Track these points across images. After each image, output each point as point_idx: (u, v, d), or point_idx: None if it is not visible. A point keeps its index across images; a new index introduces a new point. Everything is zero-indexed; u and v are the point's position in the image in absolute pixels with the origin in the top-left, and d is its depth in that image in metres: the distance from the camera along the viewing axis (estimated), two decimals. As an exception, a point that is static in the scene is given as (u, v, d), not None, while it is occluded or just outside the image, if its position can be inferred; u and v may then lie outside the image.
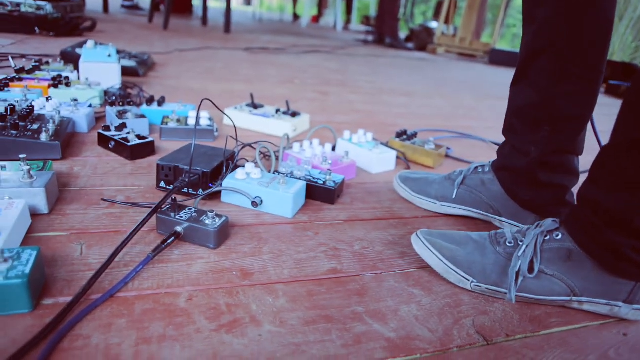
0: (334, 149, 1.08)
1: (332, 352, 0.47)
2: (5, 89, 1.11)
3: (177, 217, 0.63)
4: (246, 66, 2.33)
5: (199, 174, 0.76)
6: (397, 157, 1.08)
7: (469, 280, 0.60)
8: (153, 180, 0.82)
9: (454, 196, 0.82)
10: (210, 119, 1.10)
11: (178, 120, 1.06)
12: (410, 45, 4.70)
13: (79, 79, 1.34)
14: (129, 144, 0.89)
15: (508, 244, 0.60)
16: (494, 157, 0.82)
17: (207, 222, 0.62)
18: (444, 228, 0.79)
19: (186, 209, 0.65)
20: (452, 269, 0.61)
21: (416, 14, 6.28)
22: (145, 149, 0.92)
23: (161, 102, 1.17)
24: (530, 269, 0.57)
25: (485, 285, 0.59)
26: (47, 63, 1.45)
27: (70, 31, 2.53)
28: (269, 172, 0.86)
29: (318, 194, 0.82)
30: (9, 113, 0.87)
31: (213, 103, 0.79)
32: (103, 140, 0.94)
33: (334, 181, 0.82)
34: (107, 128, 0.94)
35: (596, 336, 0.55)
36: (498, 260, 0.60)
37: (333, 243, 0.69)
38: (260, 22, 6.33)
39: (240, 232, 0.69)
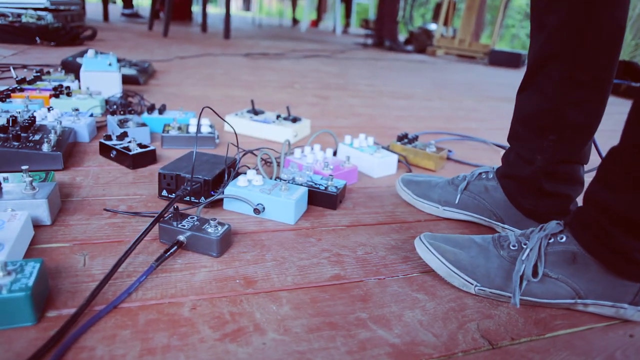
0: (335, 154, 1.08)
1: (337, 359, 0.47)
2: (7, 100, 1.11)
3: (179, 226, 0.63)
4: (246, 72, 2.33)
5: (200, 182, 0.76)
6: (399, 161, 1.08)
7: (472, 284, 0.59)
8: (155, 189, 0.82)
9: (456, 201, 0.82)
10: (211, 126, 1.10)
11: (179, 128, 1.06)
12: (409, 47, 4.71)
13: (80, 88, 1.35)
14: (130, 153, 0.89)
15: (512, 248, 0.60)
16: (496, 159, 0.82)
17: (209, 230, 0.62)
18: (447, 232, 0.79)
19: (188, 218, 0.65)
20: (455, 273, 0.61)
21: (415, 16, 6.29)
22: (146, 158, 0.92)
23: (162, 110, 1.17)
24: (535, 273, 0.57)
25: (490, 289, 0.59)
26: (48, 73, 1.46)
27: (71, 40, 2.55)
28: (271, 178, 0.86)
29: (320, 199, 0.82)
30: (10, 124, 0.88)
31: (214, 111, 0.80)
32: (104, 150, 0.94)
33: (336, 186, 0.82)
34: (109, 137, 0.95)
35: (602, 338, 0.55)
36: (502, 264, 0.59)
37: (336, 249, 0.69)
38: (260, 27, 6.35)
39: (242, 239, 0.69)
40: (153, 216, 0.70)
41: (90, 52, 1.37)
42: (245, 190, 0.75)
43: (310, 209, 0.81)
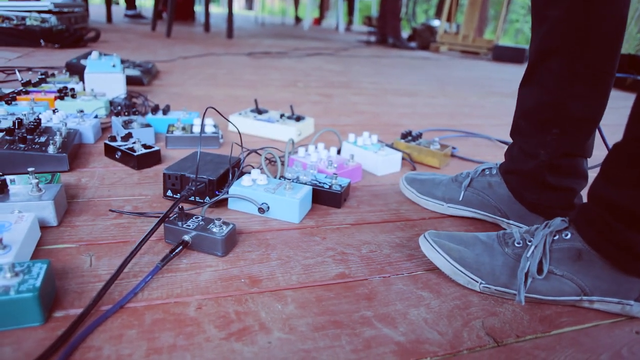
0: (339, 152, 1.08)
1: (342, 358, 0.47)
2: (13, 102, 1.12)
3: (184, 226, 0.63)
4: (249, 71, 2.34)
5: (205, 182, 0.76)
6: (403, 159, 1.08)
7: (477, 282, 0.59)
8: (160, 189, 0.82)
9: (460, 198, 0.81)
10: (215, 126, 1.11)
11: (183, 129, 1.07)
12: (413, 44, 4.70)
13: (84, 90, 1.35)
14: (135, 154, 0.90)
15: (516, 245, 0.60)
16: (500, 155, 0.81)
17: (214, 230, 0.63)
18: (451, 229, 0.79)
19: (193, 218, 0.66)
20: (460, 270, 0.61)
21: (418, 12, 6.28)
22: (151, 158, 0.93)
23: (166, 111, 1.18)
24: (539, 270, 0.57)
25: (494, 286, 0.59)
26: (53, 75, 1.47)
27: (75, 42, 2.56)
28: (275, 177, 0.87)
29: (324, 198, 0.82)
30: (16, 127, 0.88)
31: (217, 111, 0.80)
32: (109, 151, 0.95)
33: (340, 185, 0.82)
34: (114, 138, 0.95)
35: (608, 335, 0.55)
36: (507, 261, 0.59)
37: (340, 247, 0.69)
38: (263, 26, 6.35)
39: (247, 239, 0.69)
40: (158, 216, 0.70)
41: (94, 54, 1.38)
42: (250, 189, 0.75)
43: (315, 207, 0.81)
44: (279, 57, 3.01)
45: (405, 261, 0.67)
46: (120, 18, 5.04)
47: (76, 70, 1.59)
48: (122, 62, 1.59)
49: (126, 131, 0.98)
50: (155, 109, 1.17)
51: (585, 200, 0.60)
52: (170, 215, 0.66)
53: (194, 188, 0.75)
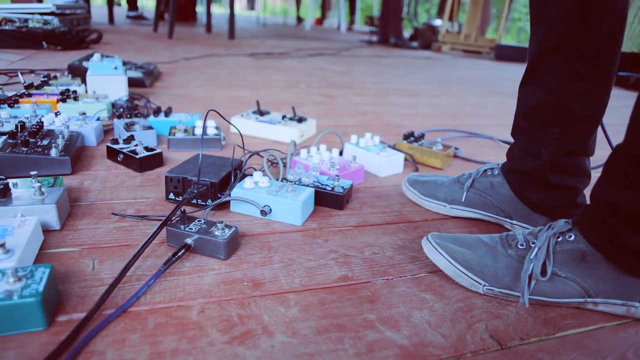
0: (341, 153, 1.08)
1: (345, 362, 0.47)
2: (16, 105, 1.12)
3: (186, 229, 0.63)
4: (251, 72, 2.34)
5: (207, 184, 0.76)
6: (405, 160, 1.08)
7: (481, 284, 0.59)
8: (162, 192, 0.82)
9: (463, 199, 0.81)
10: (217, 128, 1.11)
11: (185, 131, 1.07)
12: (414, 44, 4.69)
13: (86, 92, 1.36)
14: (137, 157, 0.90)
15: (520, 247, 0.60)
16: (503, 155, 0.81)
17: (216, 233, 0.63)
18: (454, 230, 0.79)
19: (196, 221, 0.66)
20: (463, 272, 0.60)
21: (420, 12, 6.27)
22: (153, 161, 0.93)
23: (168, 113, 1.18)
24: (543, 272, 0.56)
25: (498, 288, 0.58)
26: (55, 77, 1.47)
27: (77, 44, 2.57)
28: (277, 179, 0.87)
29: (327, 200, 0.82)
30: (19, 130, 0.89)
31: (219, 114, 0.80)
32: (112, 154, 0.95)
33: (343, 187, 0.82)
34: (116, 141, 0.95)
35: (613, 337, 0.54)
36: (510, 263, 0.59)
37: (343, 250, 0.69)
38: (264, 26, 6.36)
39: (250, 241, 0.69)
40: (161, 219, 0.70)
41: (96, 56, 1.38)
42: (252, 192, 0.75)
43: (317, 209, 0.81)
44: (281, 58, 3.01)
45: (408, 263, 0.67)
46: (122, 19, 5.05)
47: (78, 72, 1.59)
48: (124, 63, 1.59)
49: (128, 134, 0.98)
50: (157, 111, 1.17)
51: (588, 199, 0.60)
52: (173, 219, 0.66)
53: (196, 191, 0.75)
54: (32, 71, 1.79)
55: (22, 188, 0.68)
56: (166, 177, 0.77)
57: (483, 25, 5.13)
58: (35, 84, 1.33)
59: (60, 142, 0.88)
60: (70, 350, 0.44)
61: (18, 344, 0.45)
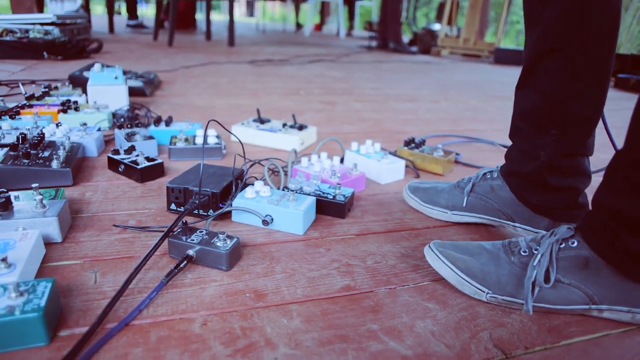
0: (342, 161, 1.08)
1: (349, 374, 0.46)
2: (17, 116, 1.13)
3: (188, 240, 0.63)
4: (251, 79, 2.34)
5: (208, 194, 0.76)
6: (406, 166, 1.08)
7: (484, 292, 0.59)
8: (164, 203, 0.82)
9: (464, 204, 0.81)
10: (217, 137, 1.11)
11: (186, 140, 1.07)
12: (414, 48, 4.70)
13: (87, 102, 1.36)
14: (138, 167, 0.90)
15: (522, 254, 0.60)
16: (503, 160, 0.81)
17: (218, 244, 0.62)
18: (456, 237, 0.79)
19: (197, 232, 0.66)
20: (466, 280, 0.60)
21: (419, 16, 6.29)
22: (154, 171, 0.93)
23: (169, 122, 1.18)
24: (547, 279, 0.56)
25: (501, 296, 0.58)
26: (56, 88, 1.48)
27: (78, 54, 2.58)
28: (278, 188, 0.87)
29: (328, 208, 0.82)
30: (20, 142, 0.89)
31: (220, 124, 0.80)
32: (113, 164, 0.95)
33: (344, 195, 0.82)
34: (117, 151, 0.95)
35: (619, 345, 0.54)
36: (513, 270, 0.59)
37: (345, 259, 0.69)
38: (264, 33, 6.38)
39: (252, 251, 0.69)
40: (162, 231, 0.70)
41: (97, 66, 1.39)
42: (253, 201, 0.75)
43: (319, 218, 0.81)
44: (281, 65, 3.02)
45: (410, 272, 0.66)
46: (123, 28, 5.08)
47: (79, 82, 1.60)
48: (125, 73, 1.60)
49: (129, 144, 0.98)
50: (157, 121, 1.18)
51: (590, 198, 0.59)
52: (174, 230, 0.66)
53: (197, 201, 0.75)
54: (33, 82, 1.79)
55: (23, 201, 0.68)
56: (168, 187, 0.77)
57: (482, 29, 5.14)
58: (36, 95, 1.33)
59: (61, 153, 0.88)
60: (72, 366, 0.44)
61: (20, 360, 0.45)
